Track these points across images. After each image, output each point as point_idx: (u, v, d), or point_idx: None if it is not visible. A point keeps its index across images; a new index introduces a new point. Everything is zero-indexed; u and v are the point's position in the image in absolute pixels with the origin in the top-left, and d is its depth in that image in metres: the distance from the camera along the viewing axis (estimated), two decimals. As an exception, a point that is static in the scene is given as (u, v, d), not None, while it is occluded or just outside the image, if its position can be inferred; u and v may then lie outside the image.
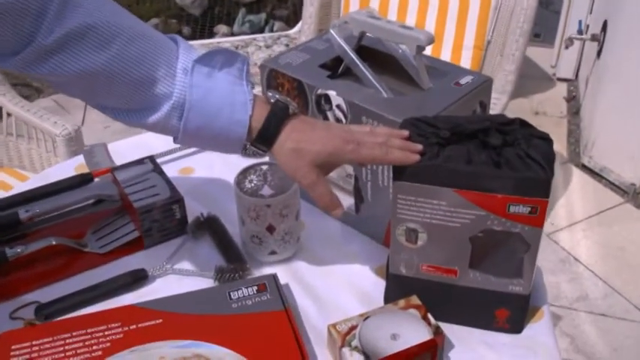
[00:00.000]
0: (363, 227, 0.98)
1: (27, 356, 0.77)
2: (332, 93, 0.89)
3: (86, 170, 1.13)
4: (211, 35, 3.69)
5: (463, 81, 0.91)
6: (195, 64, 0.74)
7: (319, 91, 0.91)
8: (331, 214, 0.80)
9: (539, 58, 3.27)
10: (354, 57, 0.93)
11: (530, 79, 3.12)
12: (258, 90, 1.60)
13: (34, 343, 0.78)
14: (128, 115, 0.77)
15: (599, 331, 1.88)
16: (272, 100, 0.79)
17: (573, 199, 2.42)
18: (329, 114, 0.91)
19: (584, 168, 2.57)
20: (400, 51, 0.96)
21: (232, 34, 3.70)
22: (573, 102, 3.00)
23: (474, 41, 1.66)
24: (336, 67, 0.97)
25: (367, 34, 0.96)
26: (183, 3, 3.84)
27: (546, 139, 0.72)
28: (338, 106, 0.89)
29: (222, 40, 2.70)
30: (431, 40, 0.87)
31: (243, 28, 3.73)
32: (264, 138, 0.77)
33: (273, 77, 0.97)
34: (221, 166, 1.14)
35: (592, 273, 2.08)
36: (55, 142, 1.45)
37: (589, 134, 2.58)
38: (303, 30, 1.77)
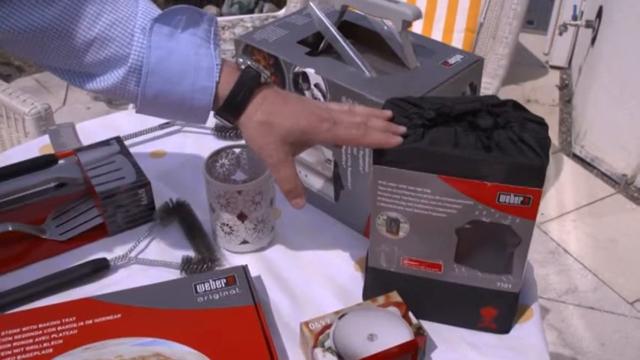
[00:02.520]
0: (343, 216, 0.91)
1: (-30, 353, 0.70)
2: (310, 71, 0.82)
3: (51, 151, 1.06)
4: (199, 15, 3.60)
5: (452, 60, 0.84)
6: (154, 23, 0.67)
7: (297, 69, 0.84)
8: (291, 202, 0.73)
9: (531, 45, 3.20)
10: (334, 33, 0.86)
11: (523, 66, 3.06)
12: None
13: (-21, 338, 0.72)
14: (81, 78, 0.70)
15: (587, 324, 1.84)
16: (242, 67, 0.72)
17: (564, 189, 2.37)
18: (307, 93, 0.84)
19: (576, 157, 2.51)
20: (385, 27, 0.89)
21: (221, 15, 3.62)
22: (566, 90, 2.94)
23: (465, 23, 1.59)
24: (316, 44, 0.91)
25: (350, 8, 0.89)
26: (171, -18, 3.74)
27: (541, 124, 0.66)
28: (316, 85, 0.82)
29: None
30: (418, 15, 0.81)
31: (232, 9, 3.65)
32: (230, 107, 0.70)
33: (248, 53, 0.90)
34: (194, 150, 1.07)
35: (582, 265, 2.03)
36: (25, 121, 1.37)
37: (581, 123, 2.53)
38: (289, 7, 1.70)
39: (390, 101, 0.70)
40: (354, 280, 0.83)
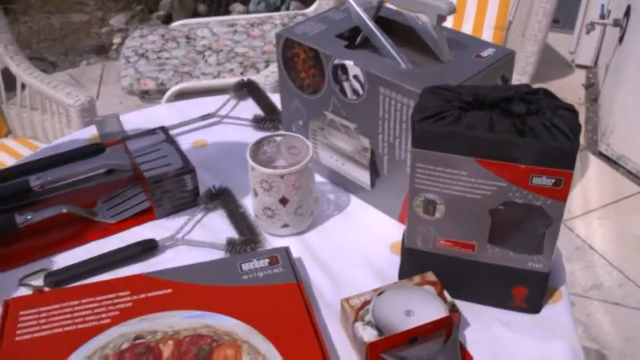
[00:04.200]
0: (379, 202, 0.95)
1: (35, 322, 0.76)
2: (349, 63, 0.87)
3: (98, 140, 1.11)
4: (227, 13, 3.67)
5: (485, 53, 0.88)
6: None
7: (336, 61, 0.88)
8: None
9: (557, 44, 3.21)
10: (372, 26, 0.90)
11: (549, 65, 3.07)
12: (274, 65, 1.57)
13: (42, 309, 0.77)
14: None
15: (612, 320, 1.85)
16: None
17: (590, 186, 2.38)
18: (345, 85, 0.89)
19: (602, 156, 2.53)
20: (420, 22, 0.93)
21: (247, 13, 3.68)
22: (592, 89, 2.95)
23: (495, 21, 1.62)
24: (353, 38, 0.95)
25: (386, 3, 0.93)
26: (199, -19, 3.81)
27: (572, 110, 0.69)
28: (355, 77, 0.87)
29: (237, 18, 2.67)
30: (452, 9, 0.85)
31: (259, 7, 3.70)
32: None
33: (288, 47, 0.94)
34: (234, 140, 1.12)
35: (606, 261, 2.05)
36: (69, 113, 1.43)
37: (607, 122, 2.54)
38: (322, 4, 1.74)
39: (428, 89, 0.74)
40: (389, 262, 0.87)
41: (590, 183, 2.40)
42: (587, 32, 2.80)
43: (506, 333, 0.77)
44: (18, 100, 1.64)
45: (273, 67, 1.54)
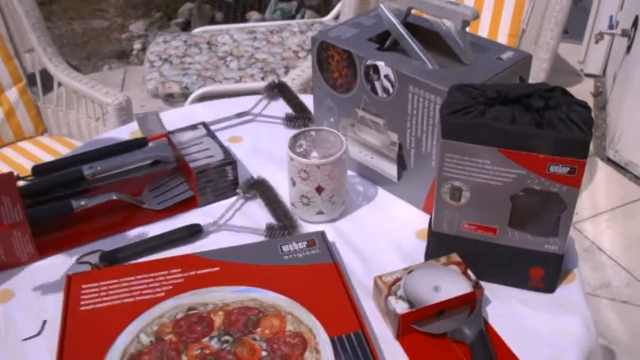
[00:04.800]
0: (405, 193, 1.03)
1: (96, 295, 0.84)
2: (381, 64, 0.95)
3: (140, 135, 1.19)
4: (244, 21, 3.76)
5: (504, 56, 0.96)
6: None
7: (368, 62, 0.96)
8: None
9: (567, 53, 3.29)
10: (402, 30, 0.98)
11: (558, 74, 3.14)
12: (300, 68, 1.65)
13: (101, 283, 0.85)
14: None
15: (620, 317, 1.92)
16: None
17: (598, 191, 2.45)
18: (377, 84, 0.97)
19: (610, 161, 2.60)
20: (444, 27, 1.01)
21: (263, 20, 3.78)
22: (600, 97, 3.02)
23: (509, 29, 1.70)
24: (382, 42, 1.03)
25: (413, 10, 1.01)
26: (216, -11, 3.92)
27: (585, 107, 0.77)
28: (386, 76, 0.95)
29: (257, 25, 2.76)
30: (476, 15, 0.93)
31: (274, 15, 3.80)
32: None
33: (323, 49, 1.03)
34: (267, 136, 1.20)
35: (615, 262, 2.12)
36: (107, 111, 1.52)
37: (615, 129, 2.61)
38: (343, 12, 1.83)
39: (455, 87, 0.82)
40: (415, 246, 0.95)
41: (599, 187, 2.47)
42: (596, 42, 2.88)
43: (524, 309, 0.85)
44: (54, 100, 1.73)
45: (299, 71, 1.62)
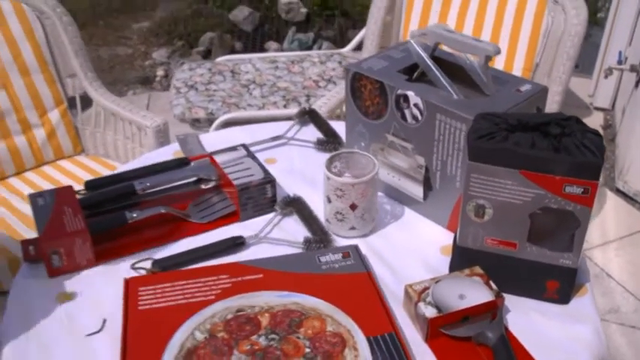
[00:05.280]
0: (430, 212, 1.12)
1: (152, 296, 0.92)
2: (411, 93, 1.04)
3: (182, 155, 1.29)
4: (262, 50, 3.89)
5: (523, 88, 1.06)
6: None
7: (399, 92, 1.06)
8: None
9: (577, 87, 3.39)
10: (430, 63, 1.08)
11: (569, 107, 3.24)
12: (326, 97, 1.75)
13: (157, 286, 0.94)
14: None
15: (628, 342, 1.99)
16: None
17: (607, 220, 2.53)
18: (406, 112, 1.06)
19: (619, 192, 2.68)
20: (468, 61, 1.11)
21: (282, 50, 3.91)
22: (609, 130, 3.11)
23: (523, 63, 1.80)
24: (410, 73, 1.13)
25: (440, 45, 1.11)
26: (236, 19, 4.05)
27: (597, 134, 0.86)
28: (415, 105, 1.04)
29: (278, 55, 2.88)
30: (498, 51, 1.03)
31: (292, 45, 3.93)
32: None
33: (356, 79, 1.12)
34: (300, 158, 1.30)
35: (623, 288, 2.19)
36: (145, 133, 1.62)
37: (624, 160, 2.70)
38: (366, 44, 1.93)
39: (480, 115, 0.91)
40: (440, 261, 1.03)
41: (608, 217, 2.55)
42: (606, 77, 2.98)
43: (540, 318, 0.93)
44: (92, 121, 1.84)
45: (325, 99, 1.73)
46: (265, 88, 2.67)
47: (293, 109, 2.53)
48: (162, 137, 1.62)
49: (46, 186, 1.72)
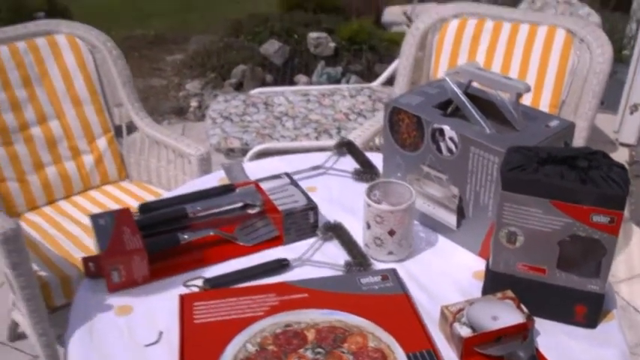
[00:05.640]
0: (462, 240, 1.19)
1: (205, 311, 1.00)
2: (446, 127, 1.12)
3: (227, 182, 1.37)
4: (292, 83, 4.01)
5: (551, 124, 1.13)
6: None
7: (435, 126, 1.14)
8: None
9: (602, 123, 3.45)
10: (464, 99, 1.16)
11: (594, 143, 3.28)
12: (363, 127, 1.83)
13: (209, 302, 1.02)
14: None
15: (655, 375, 2.01)
16: None
17: (633, 254, 2.56)
18: (442, 144, 1.14)
19: (644, 227, 2.71)
20: (499, 98, 1.18)
21: (311, 84, 4.02)
22: (635, 166, 3.16)
23: (550, 100, 1.87)
24: (445, 108, 1.20)
25: (473, 82, 1.19)
26: (267, 53, 4.18)
27: (623, 168, 0.93)
28: (450, 138, 1.12)
29: (310, 88, 2.98)
30: (528, 89, 1.10)
31: (321, 79, 4.04)
32: None
33: (394, 114, 1.20)
34: (338, 187, 1.37)
35: (650, 322, 2.22)
36: (190, 161, 1.71)
37: (650, 195, 2.73)
38: (398, 81, 2.02)
39: (512, 148, 0.98)
40: (472, 285, 1.10)
41: (634, 251, 2.58)
42: (631, 113, 3.04)
43: (568, 341, 0.98)
44: (137, 149, 1.94)
45: (359, 132, 1.81)
46: (297, 120, 2.76)
47: (324, 141, 2.63)
48: (205, 165, 1.71)
49: (94, 209, 1.81)
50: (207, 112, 2.90)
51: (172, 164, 1.82)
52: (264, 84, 4.01)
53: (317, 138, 2.63)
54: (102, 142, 1.92)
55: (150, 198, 1.81)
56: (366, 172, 1.40)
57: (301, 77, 4.10)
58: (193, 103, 3.86)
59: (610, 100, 3.48)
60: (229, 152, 2.59)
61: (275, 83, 4.07)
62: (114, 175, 1.96)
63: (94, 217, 1.16)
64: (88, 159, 1.90)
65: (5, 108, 1.77)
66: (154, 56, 4.66)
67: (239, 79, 4.08)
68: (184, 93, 4.02)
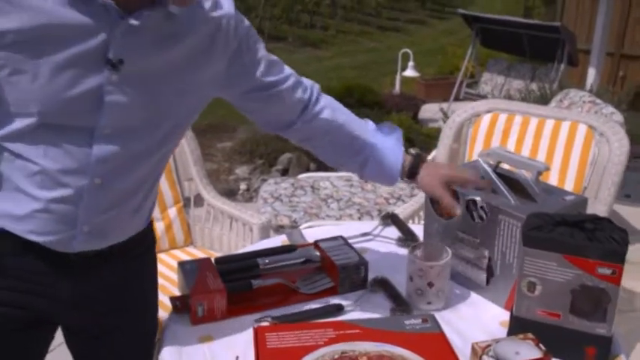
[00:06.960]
0: (491, 295, 1.39)
1: (275, 339, 1.21)
2: (478, 199, 1.35)
3: (288, 243, 1.61)
4: (334, 170, 4.28)
5: (567, 198, 1.35)
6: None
7: (468, 197, 1.37)
8: (452, 212, 1.35)
9: (629, 216, 3.62)
10: (494, 177, 1.39)
11: (621, 234, 3.45)
12: (403, 207, 2.07)
13: (279, 333, 1.23)
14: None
15: None
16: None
17: None
18: (474, 213, 1.36)
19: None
20: (522, 176, 1.41)
21: (353, 174, 4.28)
22: (661, 257, 3.30)
23: (573, 187, 2.09)
24: (478, 184, 1.43)
25: (501, 163, 1.43)
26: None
27: (624, 231, 1.14)
28: (481, 207, 1.34)
29: (352, 174, 3.24)
30: (547, 168, 1.33)
31: (362, 169, 4.30)
32: (410, 172, 1.35)
33: (434, 187, 1.44)
34: (384, 251, 1.60)
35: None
36: (251, 229, 1.96)
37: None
38: (437, 158, 2.27)
39: (532, 214, 1.21)
40: (498, 331, 1.29)
41: None
42: (655, 206, 3.21)
43: (581, 378, 1.17)
44: (203, 218, 2.19)
45: (402, 209, 2.04)
46: (342, 202, 3.01)
47: (366, 222, 2.86)
48: (264, 233, 1.95)
49: (163, 270, 2.05)
50: (258, 193, 3.17)
51: (234, 232, 2.07)
52: (308, 170, 4.30)
53: (359, 219, 2.86)
54: (172, 212, 2.18)
55: (213, 262, 2.04)
56: (408, 239, 1.62)
57: (343, 166, 4.37)
58: (242, 186, 4.15)
59: (637, 193, 3.67)
60: (279, 229, 2.83)
61: (319, 170, 4.35)
62: (180, 241, 2.21)
63: (182, 264, 1.40)
64: (159, 225, 2.16)
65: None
66: (206, 143, 5.02)
67: (285, 166, 4.39)
68: (234, 177, 4.33)
